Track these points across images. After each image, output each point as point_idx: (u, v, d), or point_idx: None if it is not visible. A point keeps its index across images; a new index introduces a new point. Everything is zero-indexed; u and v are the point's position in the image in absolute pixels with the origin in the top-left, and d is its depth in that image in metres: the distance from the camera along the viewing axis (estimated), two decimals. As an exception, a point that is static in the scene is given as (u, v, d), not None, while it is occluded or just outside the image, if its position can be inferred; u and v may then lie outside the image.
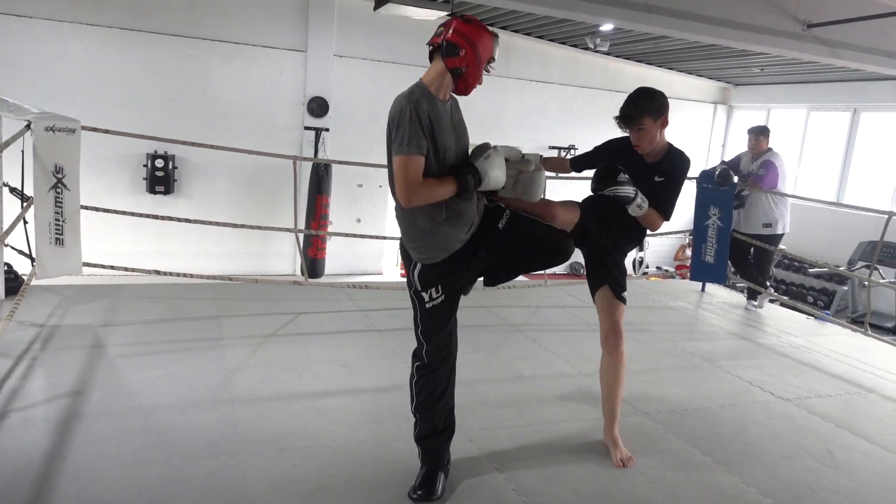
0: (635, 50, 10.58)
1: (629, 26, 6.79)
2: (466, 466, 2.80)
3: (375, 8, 7.79)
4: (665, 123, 2.84)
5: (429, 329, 2.51)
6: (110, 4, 8.42)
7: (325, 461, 2.77)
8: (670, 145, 2.92)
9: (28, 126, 3.75)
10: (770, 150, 5.99)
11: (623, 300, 2.93)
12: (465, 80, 2.32)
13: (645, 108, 2.78)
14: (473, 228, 2.49)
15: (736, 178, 5.82)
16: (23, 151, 3.83)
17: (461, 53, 2.26)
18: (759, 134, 6.01)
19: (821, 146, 11.12)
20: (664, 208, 2.85)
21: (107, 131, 4.73)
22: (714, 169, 5.87)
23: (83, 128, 4.06)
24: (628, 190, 2.72)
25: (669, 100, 2.83)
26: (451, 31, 2.27)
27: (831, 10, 6.46)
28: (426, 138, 2.24)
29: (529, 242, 2.62)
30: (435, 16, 7.83)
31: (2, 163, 4.17)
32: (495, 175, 2.37)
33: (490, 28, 2.34)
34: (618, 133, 2.91)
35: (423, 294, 2.46)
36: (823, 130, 11.12)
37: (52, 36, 8.21)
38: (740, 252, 5.99)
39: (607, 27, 8.72)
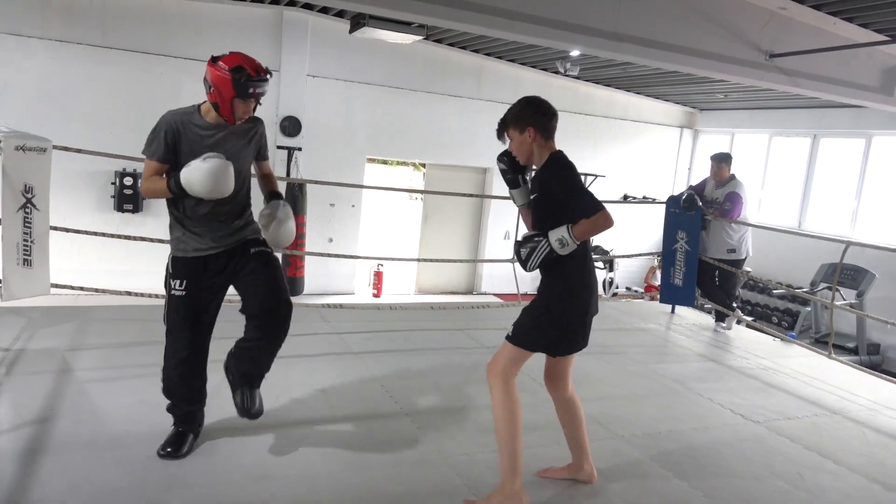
0: (604, 74, 10.81)
1: (596, 53, 6.95)
2: (445, 492, 2.81)
3: (351, 31, 7.83)
4: (534, 136, 2.53)
5: (171, 319, 2.83)
6: (80, 20, 8.31)
7: (302, 489, 2.74)
8: (550, 156, 2.58)
9: (-3, 145, 3.66)
10: (733, 177, 6.14)
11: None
12: (222, 112, 2.60)
13: (505, 117, 2.60)
14: (225, 244, 2.78)
15: (701, 203, 5.97)
16: (-9, 171, 3.74)
17: (210, 90, 2.58)
18: (721, 161, 6.15)
19: (783, 170, 11.48)
20: (584, 212, 2.45)
21: (79, 150, 4.65)
22: (681, 194, 6.03)
23: (54, 147, 3.99)
24: (537, 244, 2.52)
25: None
26: (205, 72, 2.58)
27: (793, 42, 6.71)
28: (166, 149, 2.61)
29: (259, 288, 2.85)
30: (409, 40, 7.88)
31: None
32: (198, 181, 2.51)
33: (241, 69, 2.50)
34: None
35: (172, 282, 2.79)
36: (785, 155, 11.49)
37: (20, 51, 8.06)
38: (706, 275, 6.12)
39: (576, 52, 8.89)
